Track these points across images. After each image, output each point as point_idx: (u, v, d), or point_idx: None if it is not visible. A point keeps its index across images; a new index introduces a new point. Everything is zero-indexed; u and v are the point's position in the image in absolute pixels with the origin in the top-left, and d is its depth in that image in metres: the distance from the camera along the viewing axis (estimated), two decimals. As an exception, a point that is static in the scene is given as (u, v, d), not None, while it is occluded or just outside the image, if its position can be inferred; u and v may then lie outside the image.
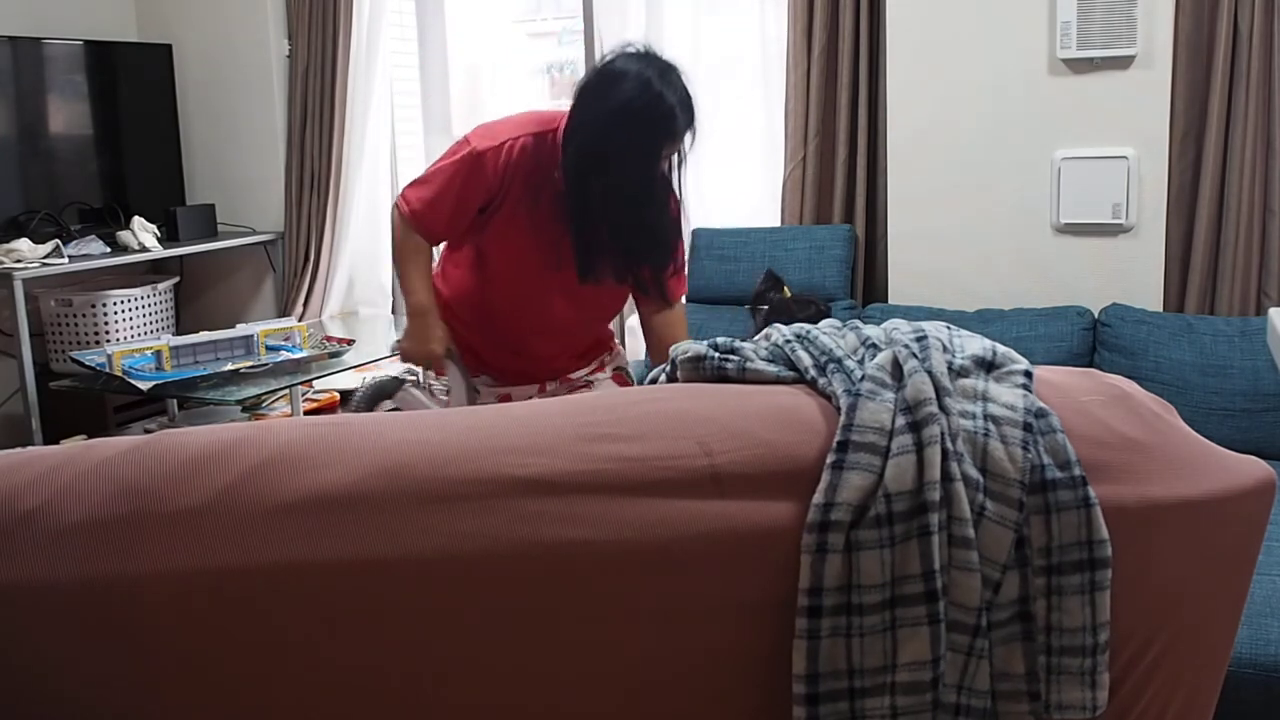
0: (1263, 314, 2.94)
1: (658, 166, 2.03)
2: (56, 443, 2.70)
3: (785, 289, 2.18)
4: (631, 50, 2.04)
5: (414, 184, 2.18)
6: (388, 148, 4.36)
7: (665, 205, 2.13)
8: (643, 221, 2.09)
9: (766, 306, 2.11)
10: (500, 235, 2.16)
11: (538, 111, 2.17)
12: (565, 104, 2.12)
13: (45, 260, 3.63)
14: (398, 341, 2.27)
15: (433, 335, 2.20)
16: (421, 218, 2.16)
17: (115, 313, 3.92)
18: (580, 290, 2.15)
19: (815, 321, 2.17)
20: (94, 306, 3.87)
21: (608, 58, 2.04)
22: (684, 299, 2.32)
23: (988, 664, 1.06)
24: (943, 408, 1.09)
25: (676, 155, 2.06)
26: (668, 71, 2.00)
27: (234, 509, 0.96)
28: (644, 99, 1.96)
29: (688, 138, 2.04)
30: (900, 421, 1.07)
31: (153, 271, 4.49)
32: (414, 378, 2.33)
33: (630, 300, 2.31)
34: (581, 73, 3.93)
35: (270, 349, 3.29)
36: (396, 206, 2.19)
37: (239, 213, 4.46)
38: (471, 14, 4.42)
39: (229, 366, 3.16)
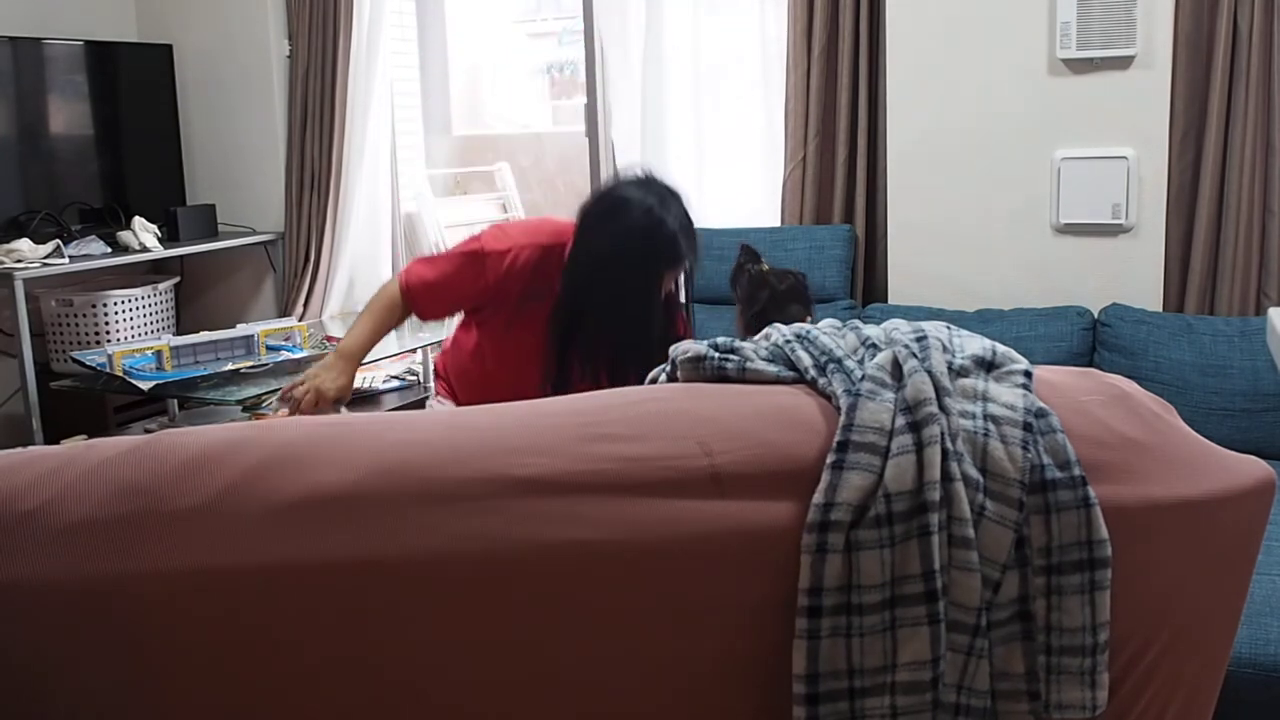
0: (1262, 314, 2.94)
1: (658, 291, 2.10)
2: (57, 443, 2.70)
3: (763, 262, 2.20)
4: (633, 176, 2.10)
5: (421, 261, 2.28)
6: (388, 148, 4.36)
7: (671, 325, 2.20)
8: (639, 344, 2.12)
9: (747, 280, 2.13)
10: (498, 337, 2.25)
11: (555, 221, 2.25)
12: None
13: (46, 260, 3.63)
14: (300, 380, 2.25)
15: (338, 382, 2.23)
16: (416, 296, 2.24)
17: (115, 313, 3.92)
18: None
19: (794, 292, 2.22)
20: (94, 306, 3.87)
21: (610, 184, 2.11)
22: None
23: (988, 664, 1.06)
24: (943, 408, 1.09)
25: (683, 274, 2.14)
26: (668, 198, 2.05)
27: (234, 509, 0.96)
28: (646, 225, 2.01)
29: (689, 261, 2.12)
30: (900, 421, 1.07)
31: (153, 271, 4.49)
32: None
33: None
34: (582, 73, 3.93)
35: (270, 349, 3.29)
36: (398, 275, 2.29)
37: (239, 213, 4.46)
38: (471, 14, 4.43)
39: (229, 366, 3.16)
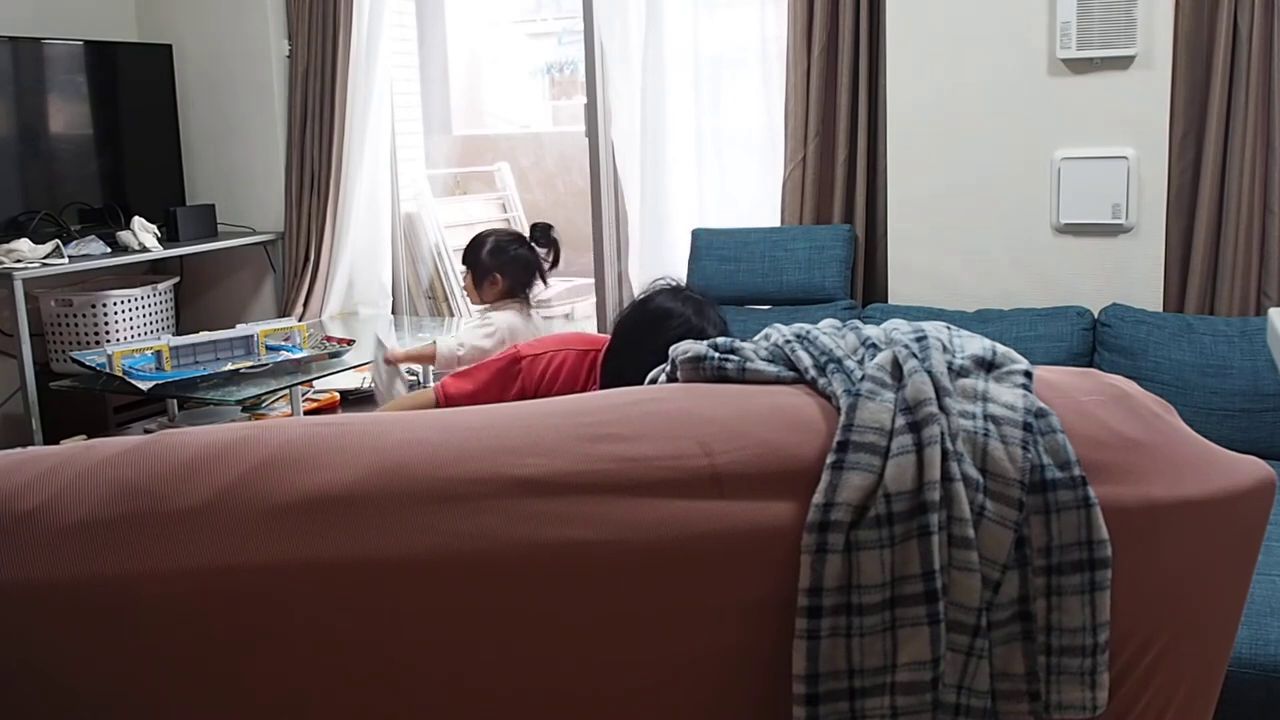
0: (1263, 314, 2.94)
1: None
2: (56, 443, 2.70)
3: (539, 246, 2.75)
4: (665, 287, 2.11)
5: (457, 375, 2.38)
6: (388, 148, 4.36)
7: None
8: None
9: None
10: None
11: (584, 333, 2.39)
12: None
13: (45, 260, 3.63)
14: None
15: None
16: (455, 404, 2.34)
17: (115, 313, 3.92)
18: None
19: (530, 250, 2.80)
20: (94, 306, 3.87)
21: (644, 295, 2.11)
22: None
23: (987, 664, 1.06)
24: (943, 408, 1.09)
25: None
26: (704, 307, 2.06)
27: (234, 509, 0.96)
28: (685, 335, 2.02)
29: None
30: (900, 421, 1.07)
31: (153, 271, 4.49)
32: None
33: None
34: (582, 73, 3.93)
35: (270, 349, 3.29)
36: (435, 388, 2.39)
37: (239, 213, 4.46)
38: (471, 14, 4.43)
39: (229, 366, 3.16)
